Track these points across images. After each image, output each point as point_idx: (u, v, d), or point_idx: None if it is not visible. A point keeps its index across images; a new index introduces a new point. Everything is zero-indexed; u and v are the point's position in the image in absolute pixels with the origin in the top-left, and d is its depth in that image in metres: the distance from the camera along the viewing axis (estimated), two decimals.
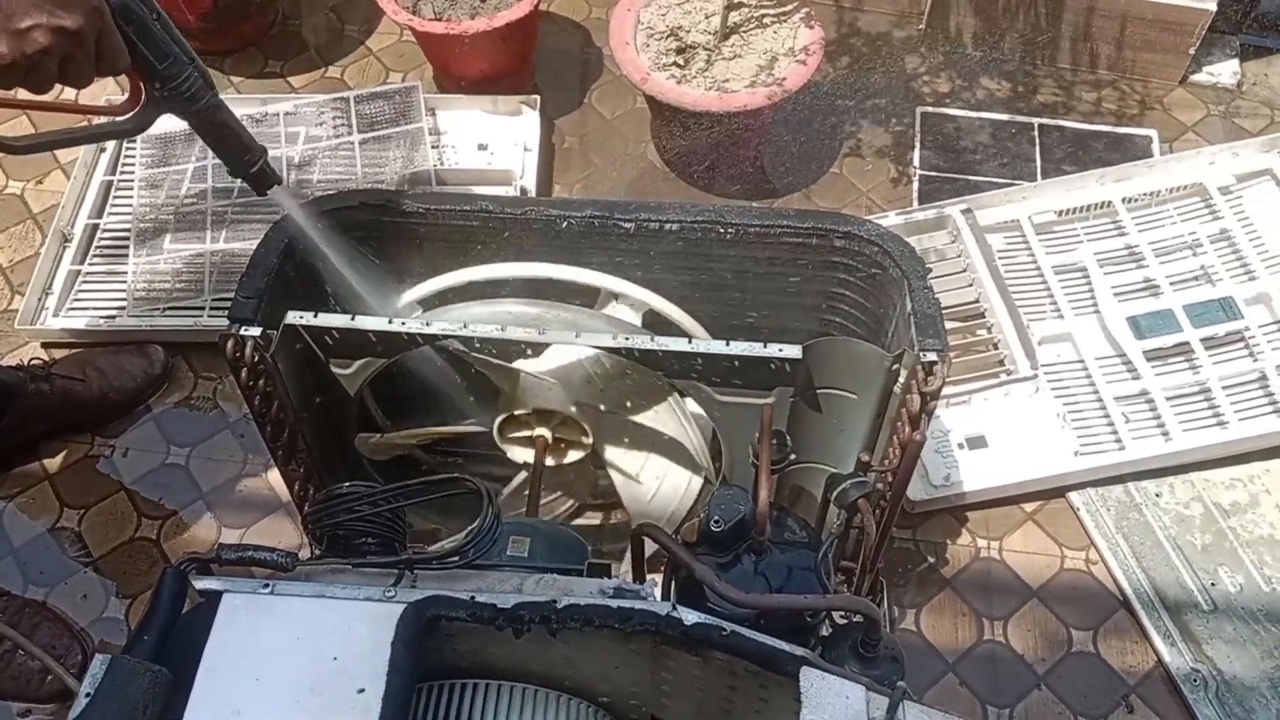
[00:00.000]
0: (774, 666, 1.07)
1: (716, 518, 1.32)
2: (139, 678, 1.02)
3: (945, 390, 1.40)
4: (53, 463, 2.16)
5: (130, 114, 1.31)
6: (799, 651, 1.07)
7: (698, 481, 1.77)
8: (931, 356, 1.36)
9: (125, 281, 2.32)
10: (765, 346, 1.43)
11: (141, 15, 1.23)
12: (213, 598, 1.11)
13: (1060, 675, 1.90)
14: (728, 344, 1.44)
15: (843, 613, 1.45)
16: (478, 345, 1.48)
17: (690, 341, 1.45)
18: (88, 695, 1.00)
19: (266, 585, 1.11)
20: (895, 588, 1.98)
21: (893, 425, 1.49)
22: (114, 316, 2.29)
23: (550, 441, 1.70)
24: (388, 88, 2.60)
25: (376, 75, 2.79)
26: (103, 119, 1.49)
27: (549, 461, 1.72)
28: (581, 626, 1.10)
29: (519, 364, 1.51)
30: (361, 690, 1.02)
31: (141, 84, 1.29)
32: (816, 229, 1.55)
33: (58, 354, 2.28)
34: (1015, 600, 1.98)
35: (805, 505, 1.74)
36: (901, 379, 1.43)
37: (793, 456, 1.51)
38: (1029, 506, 2.08)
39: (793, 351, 1.42)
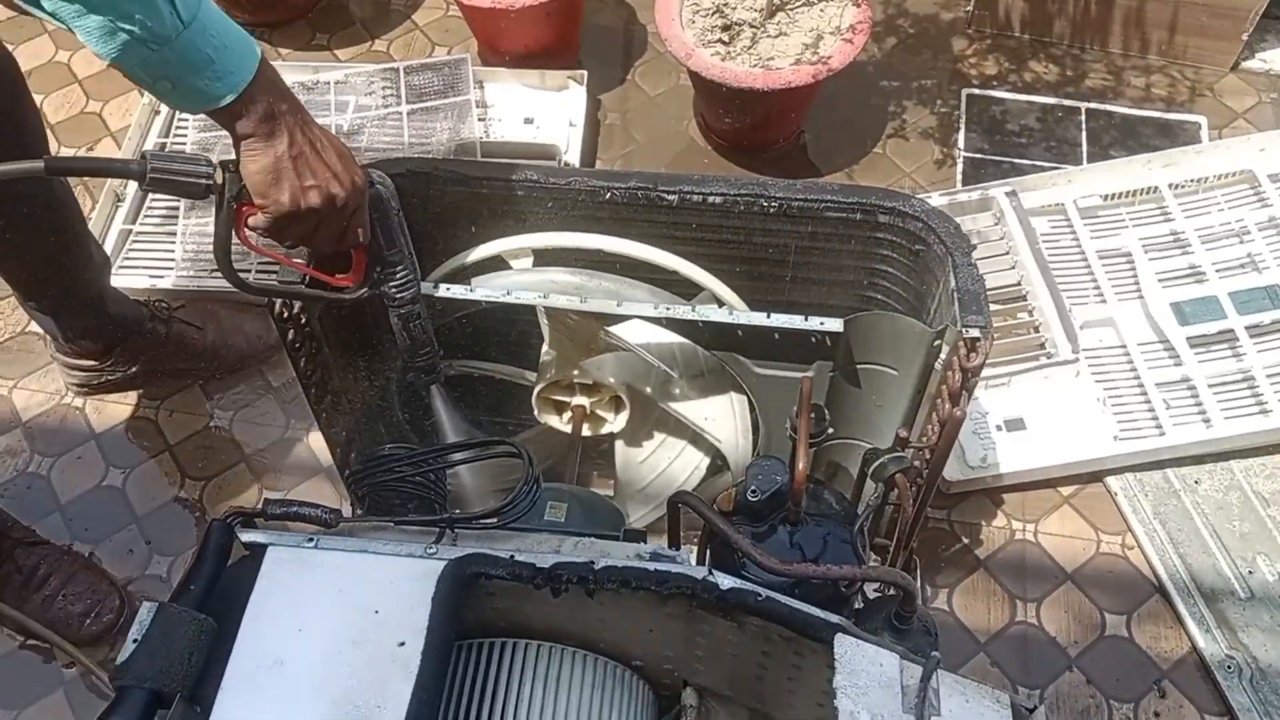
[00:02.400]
0: (809, 633, 1.08)
1: (754, 488, 1.33)
2: (185, 626, 1.05)
3: (985, 372, 1.39)
4: (99, 421, 2.20)
5: (350, 285, 1.44)
6: (834, 619, 1.08)
7: (706, 464, 1.78)
8: (974, 333, 1.35)
9: (175, 242, 2.35)
10: (806, 319, 1.43)
11: (387, 209, 1.39)
12: (258, 551, 1.13)
13: (1092, 658, 1.89)
14: (768, 316, 1.44)
15: (877, 586, 1.45)
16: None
17: (731, 313, 1.46)
18: (135, 641, 1.02)
19: (311, 540, 1.14)
20: (929, 567, 1.98)
21: (932, 402, 1.48)
22: (163, 276, 2.31)
23: (588, 413, 1.72)
24: (437, 60, 2.61)
25: (422, 49, 2.80)
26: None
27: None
28: (618, 588, 1.11)
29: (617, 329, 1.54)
30: (402, 644, 1.04)
31: (365, 264, 1.42)
32: (861, 204, 1.55)
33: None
34: (1049, 583, 1.97)
35: (841, 482, 1.74)
36: (943, 355, 1.43)
37: (830, 431, 1.51)
38: (1066, 490, 2.07)
39: (834, 325, 1.43)
